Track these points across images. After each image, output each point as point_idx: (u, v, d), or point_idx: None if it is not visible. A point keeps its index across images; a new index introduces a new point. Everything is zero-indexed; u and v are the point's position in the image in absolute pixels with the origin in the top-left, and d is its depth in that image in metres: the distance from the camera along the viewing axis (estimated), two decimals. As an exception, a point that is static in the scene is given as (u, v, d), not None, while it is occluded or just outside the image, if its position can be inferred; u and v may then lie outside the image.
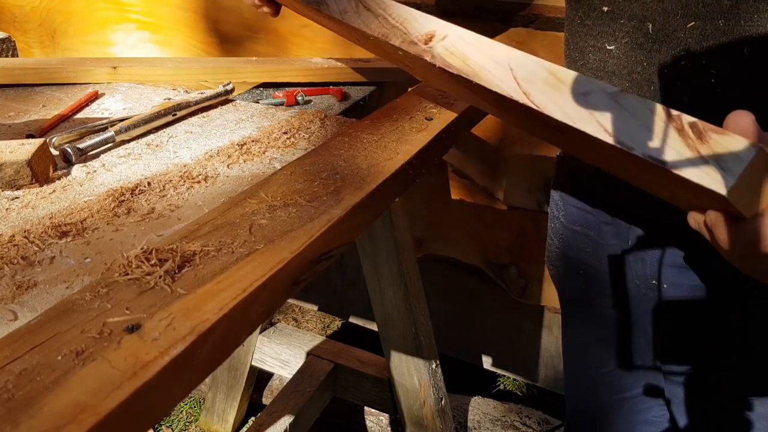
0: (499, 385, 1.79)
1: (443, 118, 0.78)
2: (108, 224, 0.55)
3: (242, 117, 0.83)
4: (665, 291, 0.68)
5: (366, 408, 1.56)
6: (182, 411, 1.71)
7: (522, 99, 0.50)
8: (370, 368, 1.38)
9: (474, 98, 0.68)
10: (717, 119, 0.44)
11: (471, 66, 0.55)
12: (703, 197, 0.44)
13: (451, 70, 0.56)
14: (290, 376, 1.44)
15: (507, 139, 1.34)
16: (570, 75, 0.49)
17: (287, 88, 0.96)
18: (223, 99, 0.88)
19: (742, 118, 0.42)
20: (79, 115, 0.85)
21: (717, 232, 0.44)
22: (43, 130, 0.79)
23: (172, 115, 0.80)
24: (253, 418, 1.64)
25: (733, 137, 0.41)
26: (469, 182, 1.43)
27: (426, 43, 0.58)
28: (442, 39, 0.58)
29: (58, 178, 0.65)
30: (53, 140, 0.72)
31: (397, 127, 0.74)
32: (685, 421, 0.73)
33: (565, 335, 0.89)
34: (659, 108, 0.44)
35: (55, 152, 0.70)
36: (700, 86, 0.58)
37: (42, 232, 0.53)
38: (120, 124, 0.74)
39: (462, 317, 1.65)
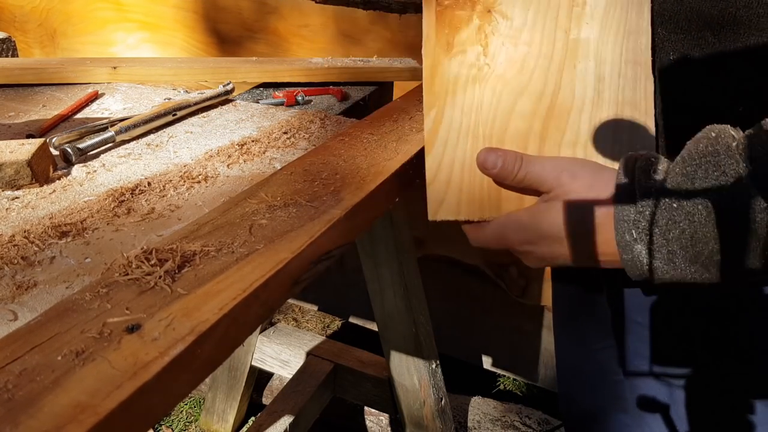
0: (499, 385, 1.79)
1: (443, 118, 0.78)
2: (108, 224, 0.55)
3: (242, 117, 0.83)
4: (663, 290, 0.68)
5: (366, 408, 1.56)
6: (182, 411, 1.71)
7: None
8: (370, 368, 1.38)
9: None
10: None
11: None
12: None
13: None
14: (290, 376, 1.44)
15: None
16: None
17: (287, 88, 0.96)
18: (223, 99, 0.88)
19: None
20: (79, 115, 0.85)
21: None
22: (43, 130, 0.79)
23: (172, 115, 0.80)
24: (253, 418, 1.64)
25: None
26: (469, 182, 1.43)
27: None
28: None
29: (58, 178, 0.65)
30: (53, 140, 0.72)
31: (397, 127, 0.74)
32: (685, 427, 0.73)
33: (560, 333, 0.89)
34: None
35: (55, 152, 0.70)
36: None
37: (42, 232, 0.53)
38: (120, 124, 0.74)
39: (462, 317, 1.65)
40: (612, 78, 0.55)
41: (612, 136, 0.56)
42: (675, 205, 0.45)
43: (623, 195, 0.48)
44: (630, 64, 0.55)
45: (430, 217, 0.58)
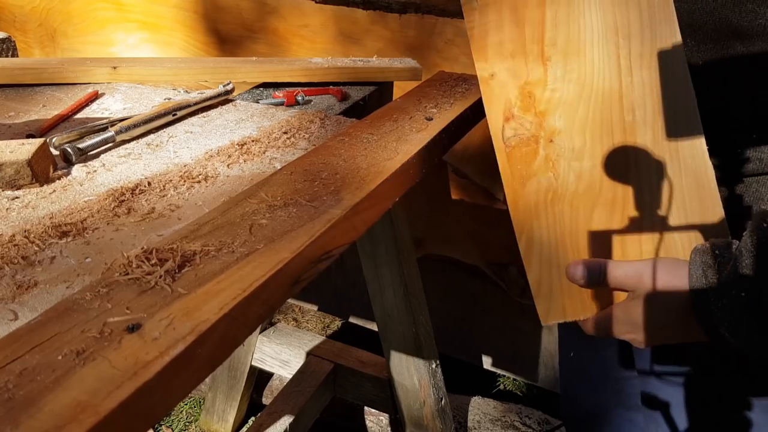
0: (499, 385, 1.79)
1: (443, 118, 0.78)
2: (108, 224, 0.55)
3: (242, 117, 0.83)
4: None
5: (366, 408, 1.56)
6: (182, 411, 1.71)
7: None
8: (370, 368, 1.38)
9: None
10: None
11: None
12: None
13: None
14: (290, 376, 1.44)
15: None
16: None
17: (287, 88, 0.96)
18: (223, 99, 0.88)
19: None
20: (79, 115, 0.85)
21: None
22: (43, 130, 0.79)
23: (172, 115, 0.80)
24: (253, 418, 1.64)
25: None
26: (469, 182, 1.43)
27: None
28: None
29: (59, 178, 0.65)
30: (53, 140, 0.72)
31: (397, 127, 0.74)
32: (685, 425, 0.73)
33: (564, 332, 0.89)
34: None
35: (55, 152, 0.70)
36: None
37: (42, 232, 0.53)
38: (120, 124, 0.74)
39: (462, 317, 1.65)
40: (674, 173, 0.60)
41: (685, 224, 0.60)
42: (743, 294, 0.51)
43: (698, 288, 0.55)
44: (688, 157, 0.59)
45: (543, 323, 0.66)
